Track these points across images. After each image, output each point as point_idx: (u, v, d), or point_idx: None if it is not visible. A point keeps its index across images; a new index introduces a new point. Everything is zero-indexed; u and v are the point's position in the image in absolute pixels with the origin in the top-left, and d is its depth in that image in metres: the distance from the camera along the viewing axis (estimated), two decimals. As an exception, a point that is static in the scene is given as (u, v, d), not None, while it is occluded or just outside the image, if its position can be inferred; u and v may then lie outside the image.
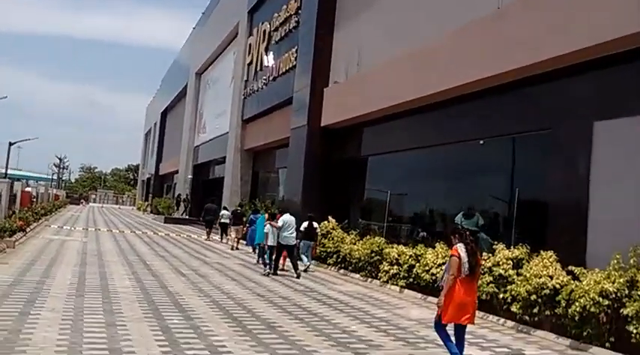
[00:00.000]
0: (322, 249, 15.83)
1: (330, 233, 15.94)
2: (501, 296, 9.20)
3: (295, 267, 13.20)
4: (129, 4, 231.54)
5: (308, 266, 14.36)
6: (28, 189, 27.90)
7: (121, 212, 53.70)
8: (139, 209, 63.56)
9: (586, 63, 8.68)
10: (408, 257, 11.98)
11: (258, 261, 15.20)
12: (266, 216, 15.14)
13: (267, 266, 13.47)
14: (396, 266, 12.29)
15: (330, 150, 17.80)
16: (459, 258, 6.32)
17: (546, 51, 9.06)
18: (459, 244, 6.53)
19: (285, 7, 21.99)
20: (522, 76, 9.95)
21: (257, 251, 15.73)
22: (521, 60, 9.61)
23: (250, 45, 26.73)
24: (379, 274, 12.79)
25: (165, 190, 56.16)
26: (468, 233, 6.74)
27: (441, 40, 12.27)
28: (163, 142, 58.62)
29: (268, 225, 13.70)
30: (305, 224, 14.77)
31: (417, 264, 11.61)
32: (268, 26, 24.04)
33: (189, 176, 40.05)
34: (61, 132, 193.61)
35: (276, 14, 23.14)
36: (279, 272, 13.64)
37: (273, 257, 13.64)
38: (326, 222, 16.34)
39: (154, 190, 57.84)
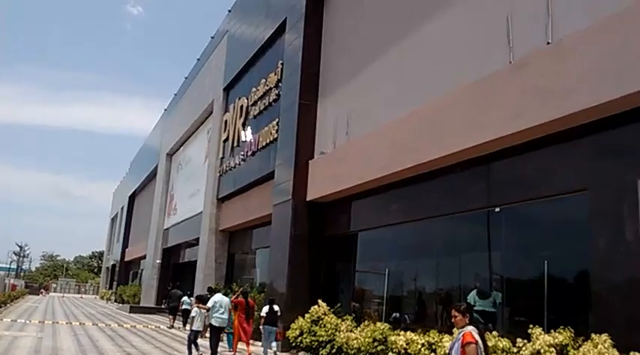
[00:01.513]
0: (313, 339, 13.98)
1: (322, 319, 14.17)
2: (548, 392, 7.62)
3: (214, 350, 12.58)
4: (100, 94, 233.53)
5: (275, 353, 13.74)
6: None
7: (83, 301, 50.18)
8: (102, 298, 59.90)
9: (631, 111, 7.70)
10: (419, 346, 10.30)
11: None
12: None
13: (198, 351, 12.53)
14: (405, 357, 10.58)
15: (317, 226, 16.38)
16: (477, 344, 5.36)
17: (577, 101, 8.08)
18: (470, 328, 5.49)
19: (264, 80, 21.26)
20: (547, 133, 8.94)
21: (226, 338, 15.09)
22: (545, 114, 8.61)
23: (226, 121, 25.78)
24: (385, 367, 11.02)
25: (132, 277, 53.11)
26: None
27: (444, 99, 11.30)
28: (130, 227, 56.19)
29: (195, 308, 12.99)
30: (266, 308, 13.92)
31: None
32: (246, 101, 23.21)
33: (158, 260, 37.72)
34: (25, 221, 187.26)
35: (254, 89, 22.39)
36: None
37: (201, 341, 12.87)
38: (316, 306, 14.64)
39: (119, 277, 54.67)
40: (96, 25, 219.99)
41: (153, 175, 45.92)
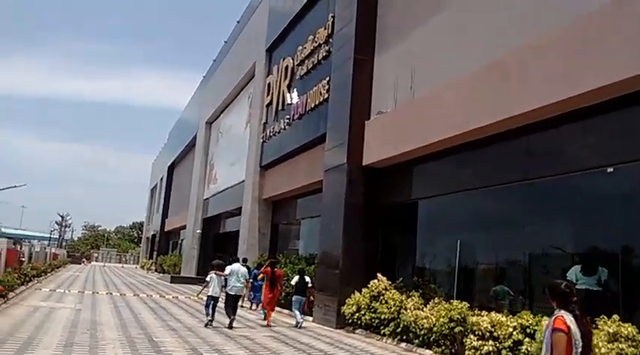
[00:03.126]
0: (373, 316, 12.64)
1: (383, 295, 12.80)
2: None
3: (232, 317, 13.00)
4: (138, 67, 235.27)
5: (300, 324, 13.82)
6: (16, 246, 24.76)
7: (124, 271, 50.34)
8: (142, 267, 60.32)
9: None
10: (510, 329, 8.81)
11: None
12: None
13: (209, 317, 12.87)
14: (491, 342, 9.09)
15: (373, 193, 14.90)
16: (568, 333, 4.26)
17: None
18: (562, 313, 4.35)
19: (311, 37, 19.63)
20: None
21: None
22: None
23: (269, 84, 24.32)
24: (466, 352, 9.56)
25: (172, 247, 53.00)
26: (573, 297, 4.44)
27: (542, 41, 9.52)
28: (170, 197, 55.87)
29: (212, 274, 13.36)
30: (296, 278, 14.51)
31: (527, 340, 8.47)
32: (291, 61, 21.66)
33: (198, 231, 37.05)
34: (67, 192, 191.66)
35: (300, 47, 20.80)
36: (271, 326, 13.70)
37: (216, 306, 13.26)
38: (375, 281, 13.28)
39: (160, 247, 54.66)
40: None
41: (192, 145, 45.13)
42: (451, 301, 10.58)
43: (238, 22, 33.52)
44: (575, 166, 9.09)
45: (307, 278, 14.42)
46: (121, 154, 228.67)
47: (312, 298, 14.73)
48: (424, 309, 11.24)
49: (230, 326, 12.70)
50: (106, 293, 21.17)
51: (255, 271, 18.80)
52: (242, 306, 16.23)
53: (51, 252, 40.04)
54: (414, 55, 13.68)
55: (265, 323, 14.02)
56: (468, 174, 12.04)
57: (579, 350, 4.24)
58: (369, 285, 13.24)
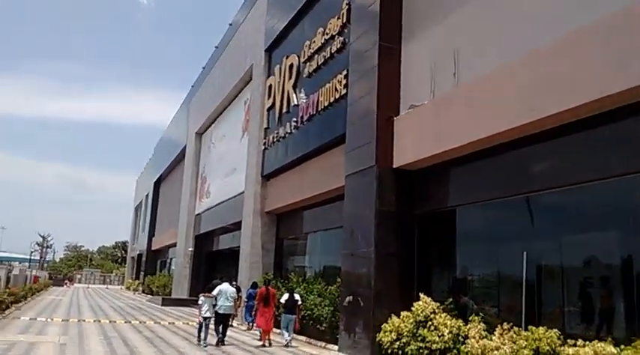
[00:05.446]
0: (421, 345, 10.54)
1: (431, 319, 10.72)
2: None
3: (224, 335, 13.67)
4: (123, 88, 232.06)
5: (289, 342, 13.89)
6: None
7: (109, 293, 47.59)
8: (128, 288, 57.54)
9: None
10: (633, 366, 6.80)
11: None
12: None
13: (202, 340, 13.41)
14: (603, 383, 7.08)
15: (405, 200, 12.92)
16: None
17: None
18: None
19: (321, 29, 17.70)
20: None
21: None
22: None
23: (271, 86, 22.28)
24: (564, 395, 7.52)
25: (160, 266, 50.36)
26: None
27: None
28: (156, 214, 53.34)
29: (202, 297, 13.86)
30: (286, 296, 14.36)
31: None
32: (296, 59, 19.69)
33: (190, 249, 34.67)
34: (48, 213, 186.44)
35: (307, 42, 18.85)
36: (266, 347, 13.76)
37: (212, 327, 13.88)
38: (420, 302, 11.20)
39: (147, 267, 51.93)
40: (106, 17, 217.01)
41: (180, 158, 42.93)
42: (531, 328, 8.56)
43: (231, 24, 31.56)
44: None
45: (297, 296, 14.40)
46: (101, 173, 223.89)
47: (300, 316, 14.50)
48: (492, 338, 9.19)
49: (218, 344, 13.34)
50: (94, 321, 18.78)
51: (251, 291, 18.04)
52: (232, 326, 15.98)
53: (31, 275, 37.30)
54: (457, 34, 11.76)
55: (260, 342, 14.02)
56: (532, 174, 10.10)
57: None
58: (412, 308, 11.17)
